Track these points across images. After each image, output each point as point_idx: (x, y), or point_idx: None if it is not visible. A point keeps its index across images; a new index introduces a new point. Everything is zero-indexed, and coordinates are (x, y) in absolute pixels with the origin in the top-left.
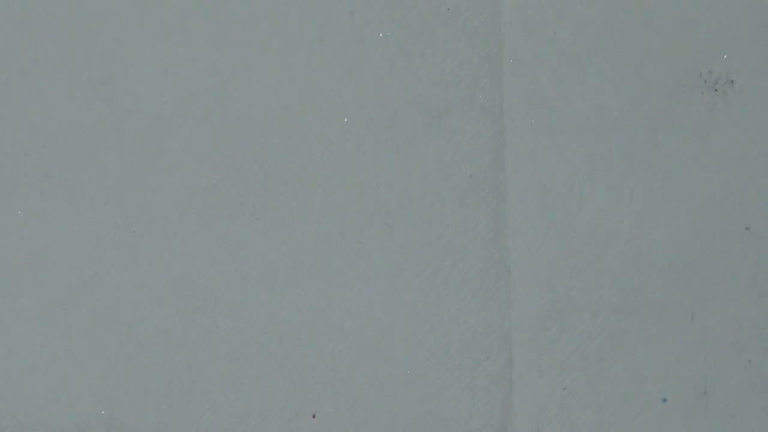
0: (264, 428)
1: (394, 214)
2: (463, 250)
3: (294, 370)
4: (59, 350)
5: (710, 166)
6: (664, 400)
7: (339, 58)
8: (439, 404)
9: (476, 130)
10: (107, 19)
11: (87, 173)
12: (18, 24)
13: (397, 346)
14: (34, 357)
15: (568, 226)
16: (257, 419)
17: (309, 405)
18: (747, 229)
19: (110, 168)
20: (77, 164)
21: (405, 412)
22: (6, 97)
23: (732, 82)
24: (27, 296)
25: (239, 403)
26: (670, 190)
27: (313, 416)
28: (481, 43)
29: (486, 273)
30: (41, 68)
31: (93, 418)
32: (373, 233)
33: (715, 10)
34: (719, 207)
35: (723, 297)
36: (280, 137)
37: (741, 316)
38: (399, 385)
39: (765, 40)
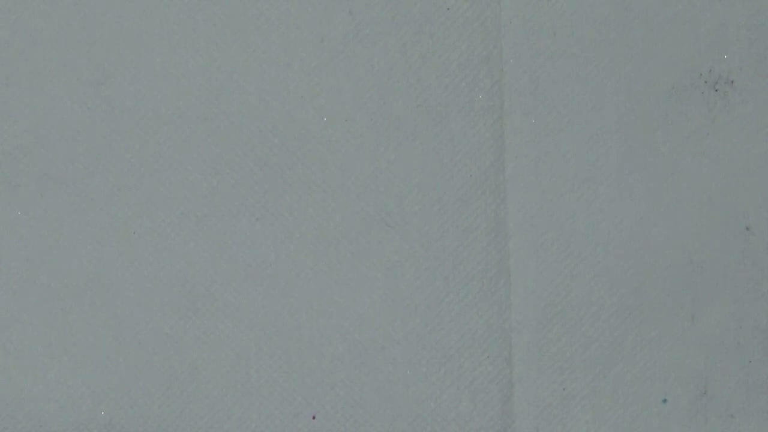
0: (264, 429)
1: (394, 214)
2: (463, 250)
3: (294, 371)
4: (59, 350)
5: (710, 166)
6: (665, 400)
7: (339, 58)
8: (439, 404)
9: (476, 130)
10: (107, 19)
11: (87, 173)
12: (18, 24)
13: (397, 346)
14: (34, 357)
15: (568, 226)
16: (257, 420)
17: (309, 406)
18: (747, 229)
19: (110, 168)
20: (77, 164)
21: (405, 412)
22: (6, 97)
23: (732, 82)
24: (27, 296)
25: (239, 404)
26: (670, 190)
27: (313, 417)
28: (481, 43)
29: (486, 273)
30: (41, 68)
31: (93, 418)
32: (373, 233)
33: (715, 10)
34: (719, 207)
35: (723, 297)
36: (280, 137)
37: (741, 316)
38: (399, 385)
39: (765, 40)
